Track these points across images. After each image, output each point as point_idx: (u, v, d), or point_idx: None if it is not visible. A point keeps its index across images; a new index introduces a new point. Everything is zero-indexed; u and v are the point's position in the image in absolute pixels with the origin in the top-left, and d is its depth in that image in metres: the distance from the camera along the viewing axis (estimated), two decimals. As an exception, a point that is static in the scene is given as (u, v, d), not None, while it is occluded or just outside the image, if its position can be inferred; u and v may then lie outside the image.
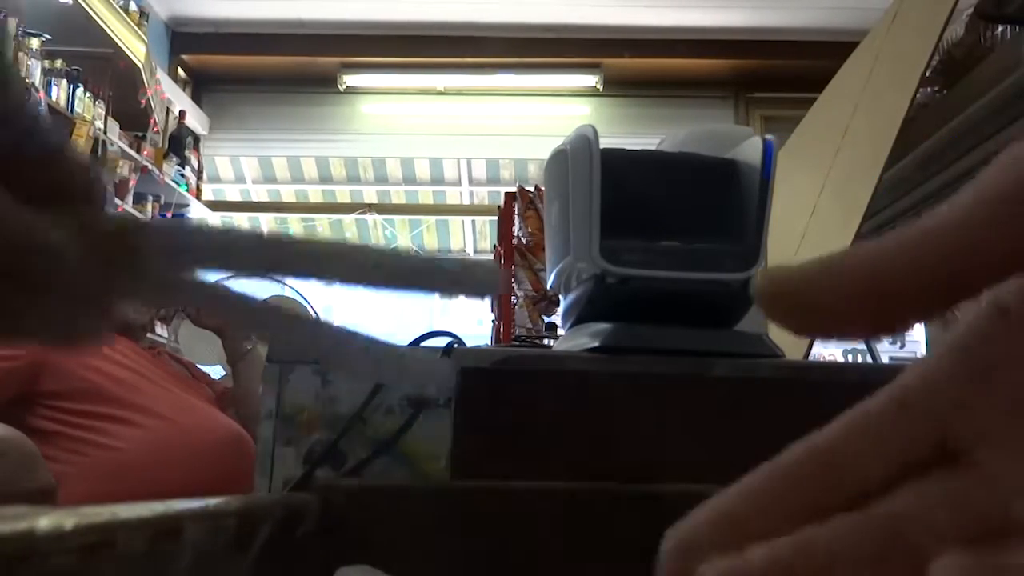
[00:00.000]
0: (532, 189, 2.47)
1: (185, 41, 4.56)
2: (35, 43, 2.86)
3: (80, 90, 3.12)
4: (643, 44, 4.55)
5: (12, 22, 2.78)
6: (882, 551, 0.17)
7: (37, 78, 2.80)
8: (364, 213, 4.91)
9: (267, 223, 5.22)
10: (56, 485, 1.10)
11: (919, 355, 4.55)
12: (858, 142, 1.61)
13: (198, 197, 4.28)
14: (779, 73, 4.53)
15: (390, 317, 5.02)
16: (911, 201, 1.94)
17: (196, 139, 4.40)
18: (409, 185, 5.16)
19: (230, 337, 1.75)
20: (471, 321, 4.44)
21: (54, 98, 2.94)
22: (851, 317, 0.19)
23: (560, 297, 0.96)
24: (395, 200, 5.16)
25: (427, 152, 4.96)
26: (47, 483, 1.08)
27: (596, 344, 0.85)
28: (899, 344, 4.90)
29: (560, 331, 1.12)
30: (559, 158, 0.89)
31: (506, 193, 2.54)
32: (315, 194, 5.22)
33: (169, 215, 3.98)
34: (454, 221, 5.17)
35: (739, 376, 0.85)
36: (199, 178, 4.35)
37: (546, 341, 1.91)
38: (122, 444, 1.42)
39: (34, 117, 0.28)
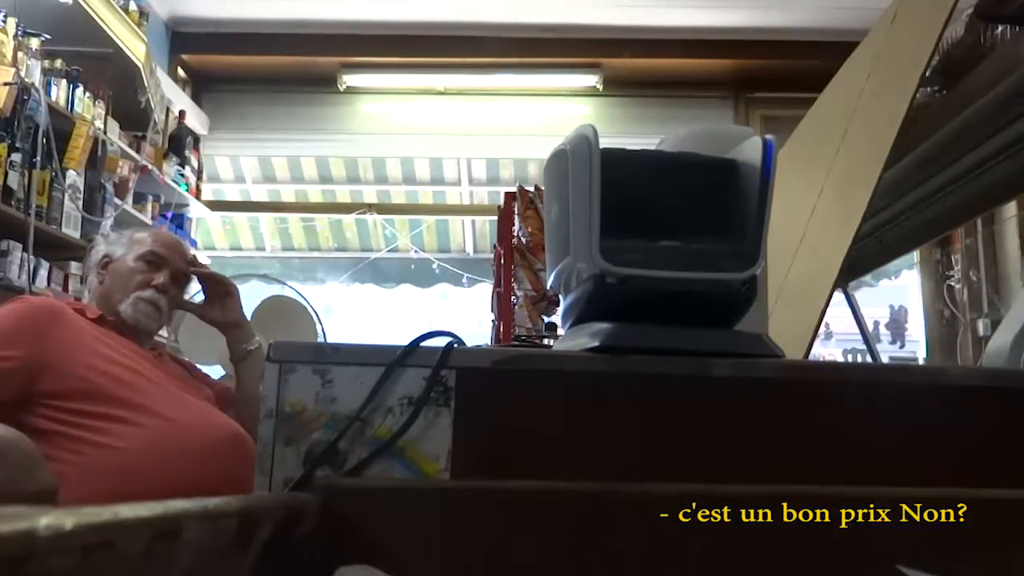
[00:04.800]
0: (532, 189, 2.47)
1: (185, 41, 4.56)
2: (35, 43, 2.85)
3: (80, 90, 3.11)
4: (643, 44, 4.55)
5: (12, 22, 2.78)
6: None
7: (37, 78, 2.80)
8: (364, 213, 4.91)
9: (267, 223, 5.22)
10: (57, 487, 1.10)
11: (919, 355, 4.56)
12: (858, 142, 1.60)
13: (198, 197, 4.28)
14: (779, 73, 4.53)
15: (389, 317, 5.02)
16: (911, 201, 1.94)
17: (196, 139, 4.39)
18: (409, 185, 5.16)
19: (233, 337, 1.75)
20: (471, 321, 4.45)
21: (54, 98, 2.94)
22: None
23: (560, 297, 0.96)
24: (395, 200, 5.15)
25: (427, 152, 4.96)
26: (48, 484, 1.08)
27: (596, 344, 0.85)
28: (899, 344, 4.90)
29: (560, 331, 1.12)
30: (559, 158, 0.89)
31: (506, 193, 2.55)
32: (315, 194, 5.21)
33: (169, 215, 3.98)
34: (454, 221, 5.17)
35: (739, 376, 0.85)
36: (199, 178, 4.35)
37: (546, 341, 1.91)
38: (122, 443, 1.41)
39: None
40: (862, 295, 4.08)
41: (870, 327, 3.72)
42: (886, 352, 4.76)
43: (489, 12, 4.38)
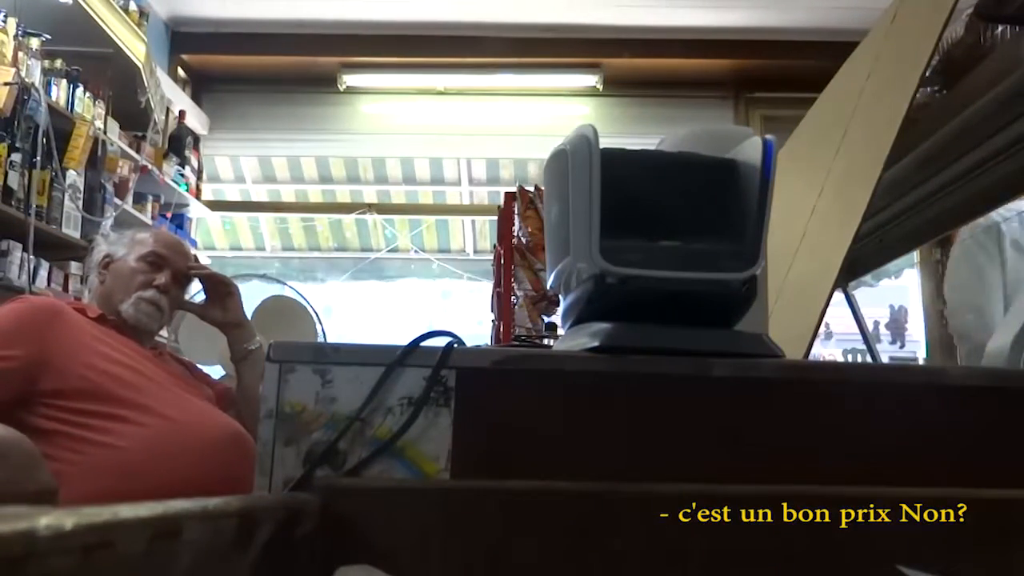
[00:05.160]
0: (532, 189, 2.47)
1: (185, 41, 4.56)
2: (35, 43, 2.85)
3: (80, 90, 3.11)
4: (643, 44, 4.55)
5: (12, 22, 2.78)
6: None
7: (37, 78, 2.80)
8: (364, 213, 4.91)
9: (267, 223, 5.23)
10: (58, 487, 1.10)
11: (919, 355, 4.56)
12: (858, 142, 1.60)
13: (198, 197, 4.28)
14: (779, 73, 4.53)
15: (390, 315, 5.02)
16: (911, 201, 1.94)
17: (196, 139, 4.39)
18: (409, 185, 5.16)
19: (234, 336, 1.75)
20: (471, 321, 4.45)
21: (54, 98, 2.94)
22: None
23: (560, 297, 0.96)
24: (395, 200, 5.16)
25: (427, 152, 4.96)
26: (48, 484, 1.08)
27: (596, 344, 0.85)
28: (899, 344, 4.90)
29: (560, 331, 1.12)
30: (559, 158, 0.89)
31: (506, 193, 2.54)
32: (315, 194, 5.22)
33: (169, 215, 3.98)
34: (454, 221, 5.17)
35: (739, 376, 0.85)
36: (199, 178, 4.35)
37: (546, 341, 1.91)
38: (122, 443, 1.41)
39: None
40: (862, 295, 4.07)
41: (870, 327, 3.72)
42: (886, 352, 4.76)
43: (489, 12, 4.38)
